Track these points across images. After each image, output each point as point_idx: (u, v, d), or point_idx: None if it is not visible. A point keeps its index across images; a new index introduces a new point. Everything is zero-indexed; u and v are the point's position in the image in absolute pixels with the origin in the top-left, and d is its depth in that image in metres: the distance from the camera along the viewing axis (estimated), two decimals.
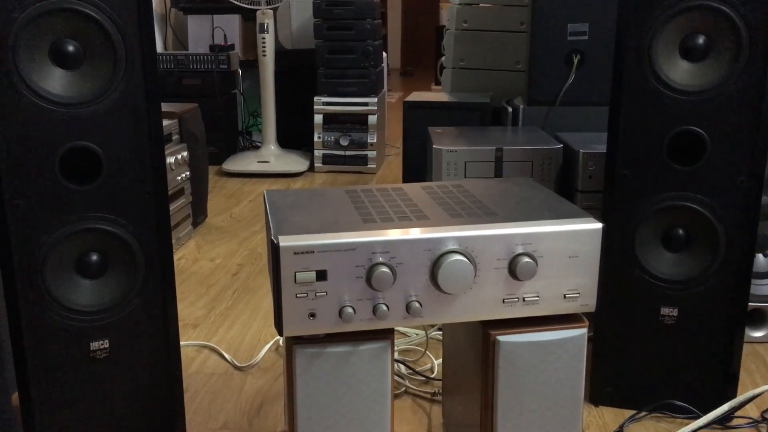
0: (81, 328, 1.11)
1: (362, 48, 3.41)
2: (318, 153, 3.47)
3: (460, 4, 2.51)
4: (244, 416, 1.39)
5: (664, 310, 1.33)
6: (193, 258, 2.30)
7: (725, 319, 1.32)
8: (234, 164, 3.43)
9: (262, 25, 3.34)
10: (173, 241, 2.27)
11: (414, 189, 1.18)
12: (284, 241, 0.92)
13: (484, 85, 2.51)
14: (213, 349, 1.66)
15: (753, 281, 1.56)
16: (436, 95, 2.44)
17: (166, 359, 1.18)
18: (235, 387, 1.50)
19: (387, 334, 0.99)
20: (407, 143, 2.26)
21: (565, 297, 1.01)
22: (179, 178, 2.35)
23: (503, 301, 0.99)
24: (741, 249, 1.28)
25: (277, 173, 3.40)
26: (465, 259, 0.95)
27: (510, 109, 2.13)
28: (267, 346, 1.65)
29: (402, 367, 1.53)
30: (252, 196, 3.05)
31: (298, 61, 3.67)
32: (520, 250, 0.98)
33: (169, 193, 2.20)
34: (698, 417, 1.32)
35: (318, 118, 3.45)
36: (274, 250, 0.92)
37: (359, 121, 3.45)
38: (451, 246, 0.96)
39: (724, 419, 1.32)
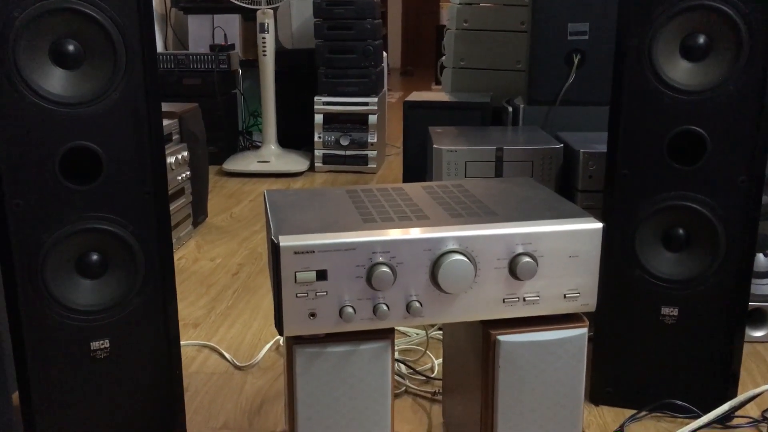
0: (81, 328, 1.11)
1: (362, 48, 3.41)
2: (318, 153, 3.47)
3: (460, 3, 2.51)
4: (245, 416, 1.40)
5: (665, 310, 1.33)
6: (194, 258, 2.30)
7: (725, 319, 1.32)
8: (234, 164, 3.43)
9: (262, 24, 3.34)
10: (173, 240, 2.27)
11: (414, 189, 1.18)
12: (284, 241, 0.92)
13: (484, 84, 2.51)
14: (213, 349, 1.66)
15: (753, 281, 1.56)
16: (437, 95, 2.44)
17: (166, 359, 1.18)
18: (236, 386, 1.50)
19: (387, 334, 0.99)
20: (407, 143, 2.26)
21: (565, 297, 1.01)
22: (179, 177, 2.35)
23: (503, 301, 0.99)
24: (741, 248, 1.28)
25: (278, 173, 3.40)
26: (465, 258, 0.95)
27: (510, 109, 2.13)
28: (267, 346, 1.65)
29: (402, 366, 1.53)
30: (252, 196, 3.05)
31: (298, 61, 3.67)
32: (520, 249, 0.98)
33: (170, 192, 2.20)
34: (699, 416, 1.32)
35: (318, 118, 3.45)
36: (275, 249, 0.92)
37: (359, 121, 3.45)
38: (452, 246, 0.96)
39: (724, 419, 1.32)
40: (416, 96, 2.38)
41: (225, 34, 3.77)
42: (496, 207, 1.06)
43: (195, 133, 2.48)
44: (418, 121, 2.19)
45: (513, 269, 0.98)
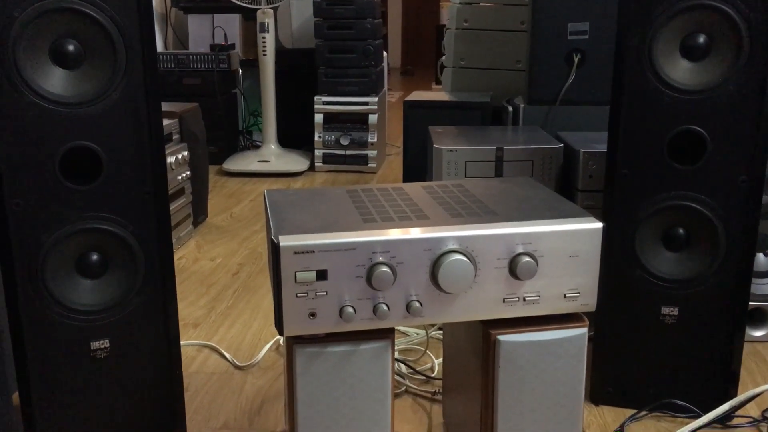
0: (81, 328, 1.11)
1: (363, 47, 3.41)
2: (318, 152, 3.47)
3: (460, 3, 2.51)
4: (245, 415, 1.40)
5: (665, 310, 1.33)
6: (194, 257, 2.30)
7: (726, 319, 1.32)
8: (234, 164, 3.43)
9: (262, 24, 3.34)
10: (173, 240, 2.27)
11: (414, 188, 1.18)
12: (284, 241, 0.92)
13: (484, 84, 2.51)
14: (213, 349, 1.66)
15: (753, 280, 1.56)
16: (437, 94, 2.43)
17: (166, 359, 1.18)
18: (236, 386, 1.50)
19: (387, 334, 0.99)
20: (408, 143, 2.26)
21: (565, 296, 1.01)
22: (179, 177, 2.35)
23: (503, 301, 0.99)
24: (741, 248, 1.28)
25: (278, 173, 3.40)
26: (465, 258, 0.95)
27: (510, 109, 2.13)
28: (267, 346, 1.65)
29: (402, 366, 1.53)
30: (252, 196, 3.05)
31: (298, 61, 3.67)
32: (520, 249, 0.98)
33: (170, 192, 2.20)
34: (699, 416, 1.32)
35: (318, 118, 3.45)
36: (275, 249, 0.92)
37: (360, 121, 3.45)
38: (452, 245, 0.96)
39: (724, 418, 1.32)
40: (416, 96, 2.38)
41: (225, 34, 3.77)
42: (496, 207, 1.06)
43: (195, 132, 2.48)
44: (418, 121, 2.19)
45: (513, 269, 0.98)
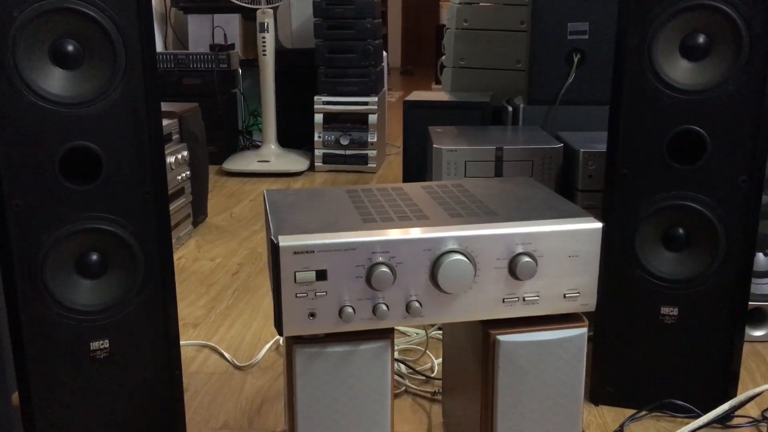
0: (81, 328, 1.11)
1: (362, 47, 3.41)
2: (318, 152, 3.47)
3: (460, 3, 2.51)
4: (245, 416, 1.40)
5: (665, 310, 1.33)
6: (194, 257, 2.30)
7: (725, 319, 1.32)
8: (234, 164, 3.43)
9: (262, 24, 3.34)
10: (173, 240, 2.27)
11: (414, 188, 1.18)
12: (284, 241, 0.92)
13: (484, 84, 2.51)
14: (213, 349, 1.66)
15: (753, 280, 1.56)
16: (437, 94, 2.43)
17: (166, 359, 1.18)
18: (236, 386, 1.50)
19: (387, 334, 0.99)
20: (407, 143, 2.26)
21: (565, 296, 1.01)
22: (179, 177, 2.35)
23: (503, 301, 0.99)
24: (741, 248, 1.28)
25: (278, 173, 3.40)
26: (465, 258, 0.95)
27: (510, 109, 2.13)
28: (267, 346, 1.65)
29: (402, 366, 1.53)
30: (252, 196, 3.05)
31: (298, 61, 3.67)
32: (520, 249, 0.98)
33: (169, 192, 2.20)
34: (698, 416, 1.32)
35: (318, 118, 3.45)
36: (274, 249, 0.92)
37: (359, 121, 3.45)
38: (451, 246, 0.96)
39: (724, 418, 1.32)
40: (416, 95, 2.38)
41: (225, 34, 3.77)
42: (496, 207, 1.06)
43: (195, 132, 2.48)
44: (418, 121, 2.19)
45: (513, 269, 0.98)
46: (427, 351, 1.62)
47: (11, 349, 1.09)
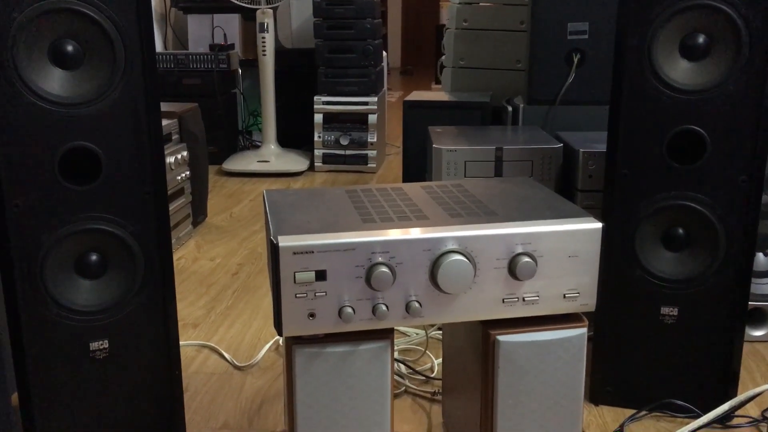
0: (80, 328, 1.11)
1: (362, 47, 3.41)
2: (318, 152, 3.47)
3: (460, 3, 2.51)
4: (244, 416, 1.39)
5: (665, 310, 1.33)
6: (193, 257, 2.30)
7: (725, 318, 1.32)
8: (234, 164, 3.43)
9: (262, 24, 3.34)
10: (173, 240, 2.27)
11: (414, 189, 1.18)
12: (284, 241, 0.92)
13: (484, 84, 2.51)
14: (213, 349, 1.66)
15: (753, 280, 1.56)
16: (436, 94, 2.43)
17: (165, 359, 1.18)
18: (235, 386, 1.50)
19: (387, 334, 0.99)
20: (407, 143, 2.26)
21: (564, 297, 1.01)
22: (179, 177, 2.34)
23: (503, 301, 0.99)
24: (741, 248, 1.28)
25: (277, 173, 3.40)
26: (465, 258, 0.95)
27: (510, 109, 2.13)
28: (267, 346, 1.65)
29: (402, 366, 1.53)
30: (252, 196, 3.05)
31: (298, 61, 3.67)
32: (519, 249, 0.98)
33: (169, 192, 2.20)
34: (698, 416, 1.32)
35: (318, 118, 3.45)
36: (274, 250, 0.92)
37: (359, 121, 3.45)
38: (451, 246, 0.96)
39: (724, 418, 1.32)
40: (416, 95, 2.38)
41: (225, 34, 3.77)
42: (496, 207, 1.06)
43: (195, 132, 2.48)
44: (418, 121, 2.19)
45: (512, 269, 0.98)
46: (426, 351, 1.62)
47: (11, 350, 1.09)
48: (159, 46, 3.81)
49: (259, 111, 3.66)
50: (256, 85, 3.61)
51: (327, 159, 3.47)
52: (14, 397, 1.13)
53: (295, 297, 0.93)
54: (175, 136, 2.35)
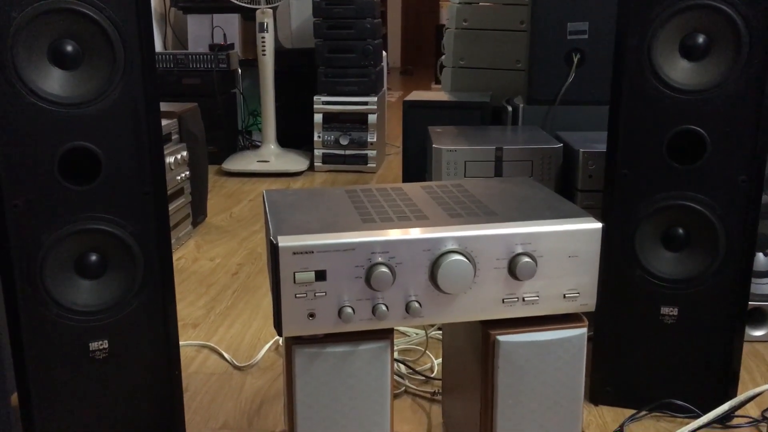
0: (80, 329, 1.11)
1: (362, 47, 3.41)
2: (318, 152, 3.47)
3: (459, 2, 2.51)
4: (244, 416, 1.39)
5: (664, 310, 1.33)
6: (193, 257, 2.30)
7: (725, 318, 1.32)
8: (234, 164, 3.43)
9: (261, 24, 3.34)
10: (173, 240, 2.27)
11: (413, 189, 1.18)
12: (283, 242, 0.92)
13: (484, 84, 2.51)
14: (213, 349, 1.66)
15: (753, 280, 1.56)
16: (436, 94, 2.43)
17: (165, 359, 1.18)
18: (235, 387, 1.50)
19: (386, 334, 0.99)
20: (407, 142, 2.26)
21: (564, 297, 1.01)
22: (179, 177, 2.34)
23: (503, 301, 0.99)
24: (741, 248, 1.28)
25: (277, 173, 3.40)
26: (464, 259, 0.95)
27: (510, 109, 2.13)
28: (267, 346, 1.65)
29: (402, 366, 1.53)
30: (252, 196, 3.05)
31: (297, 61, 3.67)
32: (519, 249, 0.98)
33: (169, 192, 2.20)
34: (698, 416, 1.32)
35: (318, 118, 3.45)
36: (274, 250, 0.92)
37: (359, 121, 3.45)
38: (451, 246, 0.96)
39: (724, 418, 1.32)
40: (416, 95, 2.38)
41: (224, 34, 3.77)
42: (496, 207, 1.06)
43: (194, 132, 2.48)
44: (418, 121, 2.19)
45: (512, 269, 0.98)
46: (426, 351, 1.62)
47: (10, 350, 1.09)
48: (159, 46, 3.81)
49: (259, 111, 3.66)
50: (255, 85, 3.60)
51: (327, 159, 3.47)
52: (14, 397, 1.13)
53: (295, 297, 0.93)
54: (174, 136, 2.35)
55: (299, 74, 3.65)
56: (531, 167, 1.69)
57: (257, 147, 3.63)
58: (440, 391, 1.43)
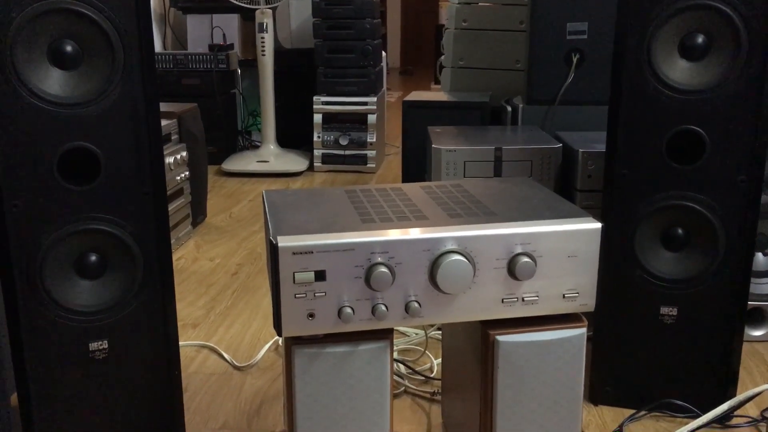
0: (80, 329, 1.11)
1: (361, 47, 3.41)
2: (317, 152, 3.47)
3: (459, 3, 2.51)
4: (244, 416, 1.39)
5: (664, 310, 1.33)
6: (193, 258, 2.30)
7: (725, 318, 1.32)
8: (233, 164, 3.43)
9: (261, 24, 3.34)
10: (173, 240, 2.27)
11: (413, 189, 1.18)
12: (283, 242, 0.92)
13: (483, 84, 2.51)
14: (212, 349, 1.66)
15: (752, 280, 1.56)
16: (436, 94, 2.43)
17: (165, 359, 1.18)
18: (235, 387, 1.50)
19: (386, 334, 0.99)
20: (407, 143, 2.26)
21: (564, 297, 1.01)
22: (178, 177, 2.34)
23: (502, 301, 0.99)
24: (740, 248, 1.28)
25: (277, 173, 3.40)
26: (464, 259, 0.95)
27: (509, 109, 2.13)
28: (266, 346, 1.65)
29: (401, 366, 1.53)
30: (251, 196, 3.05)
31: (297, 61, 3.67)
32: (519, 249, 0.98)
33: (169, 192, 2.20)
34: (698, 416, 1.32)
35: (317, 118, 3.45)
36: (273, 250, 0.92)
37: (359, 121, 3.45)
38: (450, 246, 0.96)
39: (723, 418, 1.32)
40: (415, 96, 2.38)
41: (224, 34, 3.77)
42: (495, 207, 1.06)
43: (194, 133, 2.48)
44: (418, 121, 2.19)
45: (512, 269, 0.98)
46: (426, 351, 1.62)
47: (10, 350, 1.09)
48: (158, 47, 3.81)
49: (259, 111, 3.66)
50: (255, 85, 3.61)
51: (326, 159, 3.47)
52: (14, 397, 1.13)
53: (295, 297, 0.93)
54: (174, 137, 2.35)
55: (299, 74, 3.65)
56: (530, 167, 1.69)
57: (257, 147, 3.63)
58: (440, 391, 1.43)
